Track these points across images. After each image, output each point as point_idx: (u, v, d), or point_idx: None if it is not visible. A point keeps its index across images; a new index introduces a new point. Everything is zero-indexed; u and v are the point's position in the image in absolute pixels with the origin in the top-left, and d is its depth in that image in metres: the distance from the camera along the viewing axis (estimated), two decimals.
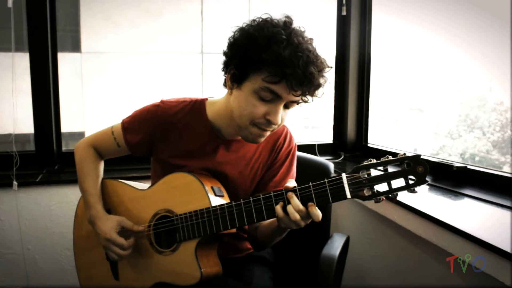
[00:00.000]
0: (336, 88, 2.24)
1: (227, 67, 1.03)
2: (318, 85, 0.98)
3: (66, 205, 1.80)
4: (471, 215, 1.28)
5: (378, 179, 0.87)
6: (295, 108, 1.04)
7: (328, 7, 2.21)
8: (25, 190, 1.77)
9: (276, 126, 1.03)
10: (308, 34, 0.99)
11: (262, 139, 1.06)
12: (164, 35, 2.14)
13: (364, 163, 0.88)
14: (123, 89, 2.12)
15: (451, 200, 1.38)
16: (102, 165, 1.26)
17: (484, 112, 1.95)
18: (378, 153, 2.01)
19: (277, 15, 1.00)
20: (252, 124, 1.01)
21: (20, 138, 1.87)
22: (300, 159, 1.29)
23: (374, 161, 0.88)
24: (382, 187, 0.88)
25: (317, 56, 0.97)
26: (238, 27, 1.00)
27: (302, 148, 1.40)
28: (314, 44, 0.99)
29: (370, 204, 1.62)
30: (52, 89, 1.88)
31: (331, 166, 1.44)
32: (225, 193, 1.11)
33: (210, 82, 2.19)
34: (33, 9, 1.81)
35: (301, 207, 0.92)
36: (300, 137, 2.24)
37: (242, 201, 0.99)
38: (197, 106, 1.15)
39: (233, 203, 1.01)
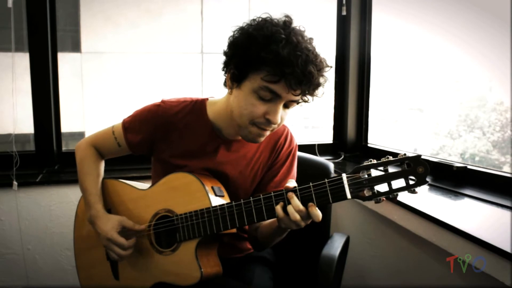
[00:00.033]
0: (336, 88, 2.24)
1: (227, 66, 1.03)
2: (318, 85, 0.98)
3: (66, 205, 1.80)
4: (471, 215, 1.28)
5: (379, 180, 0.87)
6: (295, 108, 1.04)
7: (328, 7, 2.21)
8: (25, 190, 1.77)
9: (275, 126, 1.03)
10: (308, 34, 0.99)
11: (262, 139, 1.06)
12: (164, 35, 2.14)
13: (365, 164, 0.88)
14: (123, 89, 2.12)
15: (451, 200, 1.38)
16: (102, 164, 1.26)
17: (484, 112, 1.95)
18: (378, 153, 2.02)
19: (277, 15, 0.99)
20: (251, 124, 1.01)
21: (20, 138, 1.87)
22: (300, 159, 1.29)
23: (374, 161, 0.88)
24: (382, 187, 0.88)
25: (316, 56, 0.96)
26: (238, 27, 1.00)
27: (302, 148, 1.40)
28: (314, 43, 0.99)
29: (370, 204, 1.62)
30: (52, 89, 1.88)
31: (331, 166, 1.43)
32: (225, 193, 1.11)
33: (210, 82, 2.19)
34: (33, 9, 1.81)
35: (301, 207, 0.92)
36: (300, 137, 2.24)
37: (242, 201, 0.99)
38: (198, 106, 1.15)
39: (233, 203, 1.00)
